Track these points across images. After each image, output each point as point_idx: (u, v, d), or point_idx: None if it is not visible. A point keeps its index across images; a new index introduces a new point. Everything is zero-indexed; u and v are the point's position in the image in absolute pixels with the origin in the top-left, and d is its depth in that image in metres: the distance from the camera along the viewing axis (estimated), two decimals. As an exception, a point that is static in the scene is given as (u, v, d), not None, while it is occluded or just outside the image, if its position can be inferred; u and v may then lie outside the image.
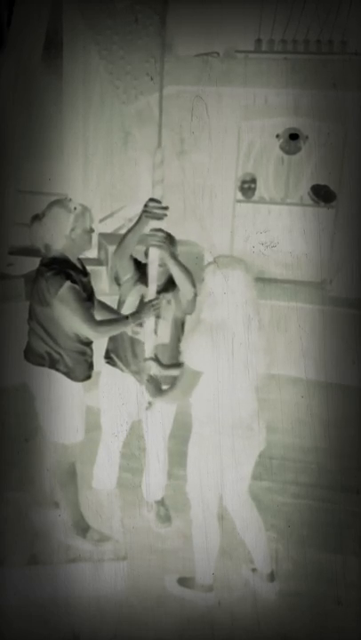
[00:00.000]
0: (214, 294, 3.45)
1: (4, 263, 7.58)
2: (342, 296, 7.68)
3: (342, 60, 7.76)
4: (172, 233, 8.17)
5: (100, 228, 8.74)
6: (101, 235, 8.05)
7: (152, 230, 3.72)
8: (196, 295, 3.95)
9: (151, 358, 3.87)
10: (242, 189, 8.27)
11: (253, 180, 8.32)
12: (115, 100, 8.56)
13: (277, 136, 8.27)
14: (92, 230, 3.81)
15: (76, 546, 3.94)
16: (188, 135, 8.18)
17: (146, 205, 3.68)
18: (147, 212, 3.67)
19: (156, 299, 3.86)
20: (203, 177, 8.54)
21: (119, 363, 4.19)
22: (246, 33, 8.07)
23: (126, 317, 3.86)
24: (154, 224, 3.71)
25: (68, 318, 3.63)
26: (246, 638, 3.46)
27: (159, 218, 3.68)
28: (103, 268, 7.14)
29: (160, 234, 3.72)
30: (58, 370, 3.72)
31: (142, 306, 3.87)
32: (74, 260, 3.77)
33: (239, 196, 8.28)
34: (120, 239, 3.94)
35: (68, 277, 3.59)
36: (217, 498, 3.65)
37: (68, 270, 3.65)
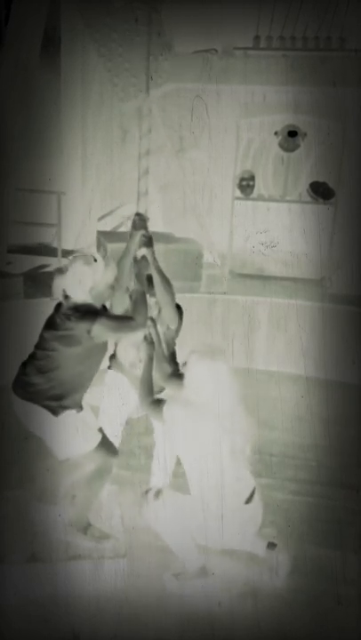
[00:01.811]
0: (198, 382, 3.62)
1: (3, 261, 7.59)
2: (342, 293, 7.68)
3: (341, 57, 7.75)
4: (172, 231, 8.18)
5: (99, 226, 8.75)
6: (100, 233, 8.06)
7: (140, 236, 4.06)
8: (179, 317, 4.23)
9: (151, 318, 3.99)
10: (240, 187, 8.26)
11: (252, 178, 8.31)
12: (113, 98, 8.55)
13: (276, 133, 8.26)
14: (115, 283, 3.94)
15: (75, 543, 3.94)
16: (187, 134, 8.18)
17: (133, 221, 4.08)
18: (134, 225, 4.05)
19: (143, 258, 4.06)
20: (202, 175, 8.54)
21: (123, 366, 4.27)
22: (245, 30, 8.06)
23: (137, 290, 3.94)
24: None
25: (115, 337, 3.96)
26: (246, 638, 3.46)
27: (144, 227, 4.04)
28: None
29: (144, 237, 4.05)
30: (44, 407, 3.78)
31: (138, 264, 4.04)
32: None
33: (238, 193, 8.27)
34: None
35: (97, 313, 3.73)
36: None
37: (94, 307, 3.77)
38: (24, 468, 4.54)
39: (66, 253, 8.28)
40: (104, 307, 3.95)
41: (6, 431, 4.38)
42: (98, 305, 3.84)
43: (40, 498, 4.19)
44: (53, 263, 8.17)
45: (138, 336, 3.93)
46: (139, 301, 3.88)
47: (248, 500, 3.69)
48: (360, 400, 6.40)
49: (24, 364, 3.90)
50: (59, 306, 3.86)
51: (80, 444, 3.85)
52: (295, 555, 3.97)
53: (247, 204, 8.29)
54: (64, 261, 3.99)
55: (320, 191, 8.13)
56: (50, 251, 8.51)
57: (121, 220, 9.00)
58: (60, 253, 8.14)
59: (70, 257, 3.91)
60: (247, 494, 3.69)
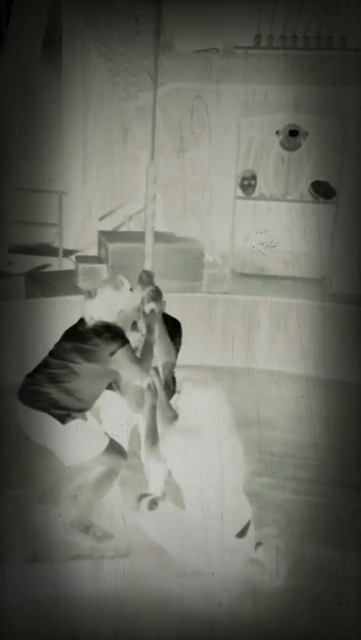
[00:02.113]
0: (190, 409, 3.71)
1: (3, 261, 7.60)
2: (342, 292, 7.68)
3: (341, 57, 7.75)
4: (173, 230, 8.18)
5: (100, 225, 8.76)
6: (101, 232, 8.06)
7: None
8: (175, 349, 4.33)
9: (154, 368, 4.10)
10: (242, 186, 8.26)
11: (254, 177, 8.30)
12: (114, 98, 8.56)
13: (277, 132, 8.25)
14: (140, 305, 4.12)
15: (76, 543, 3.95)
16: (188, 133, 8.18)
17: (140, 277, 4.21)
18: (141, 281, 4.19)
19: (152, 311, 4.13)
20: (203, 174, 8.54)
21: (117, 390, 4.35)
22: (246, 29, 8.05)
23: (147, 340, 4.06)
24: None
25: (125, 369, 3.92)
26: (246, 638, 3.46)
27: (151, 283, 4.18)
28: (103, 266, 7.16)
29: (152, 293, 4.17)
30: (52, 414, 3.81)
31: (148, 318, 4.11)
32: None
33: (239, 192, 8.26)
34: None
35: (125, 340, 3.84)
36: None
37: (124, 334, 3.89)
38: (24, 467, 4.54)
39: (67, 253, 8.31)
40: None
41: (6, 431, 4.39)
42: (126, 322, 4.00)
43: (41, 498, 4.20)
44: (54, 263, 8.19)
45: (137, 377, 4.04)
46: (147, 350, 4.02)
47: (241, 534, 3.72)
48: (360, 399, 6.41)
49: (32, 374, 3.93)
50: (82, 320, 3.93)
51: (87, 449, 3.88)
52: (295, 554, 3.98)
53: (248, 204, 8.28)
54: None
55: (321, 190, 8.12)
56: (51, 250, 8.53)
57: (122, 219, 9.02)
58: (61, 253, 8.15)
59: (100, 281, 4.03)
60: (241, 525, 3.72)
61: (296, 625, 3.56)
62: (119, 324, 3.92)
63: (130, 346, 3.86)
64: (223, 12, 7.87)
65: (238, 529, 3.71)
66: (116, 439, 4.23)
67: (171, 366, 4.35)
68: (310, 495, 4.84)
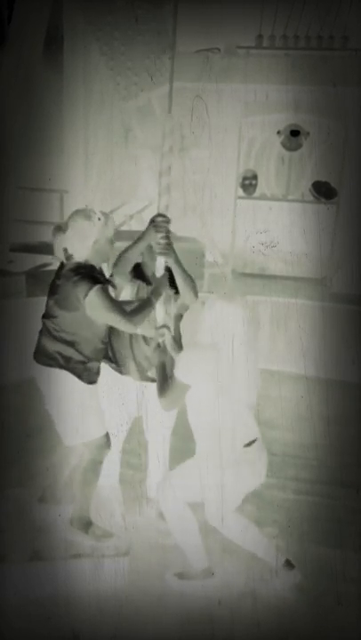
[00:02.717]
0: (212, 323, 3.63)
1: (4, 260, 7.59)
2: (343, 292, 7.69)
3: (342, 57, 7.74)
4: (174, 230, 8.17)
5: (101, 224, 8.74)
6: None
7: (158, 240, 3.98)
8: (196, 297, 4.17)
9: (164, 326, 4.00)
10: (243, 186, 8.26)
11: (255, 177, 8.31)
12: (115, 97, 8.56)
13: (278, 132, 8.26)
14: (113, 239, 3.92)
15: (77, 542, 3.94)
16: (188, 133, 8.18)
17: (153, 220, 3.98)
18: (156, 226, 3.96)
19: (167, 270, 4.04)
20: (203, 174, 8.54)
21: (116, 364, 4.26)
22: (247, 29, 8.05)
23: (149, 298, 3.92)
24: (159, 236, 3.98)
25: (104, 317, 3.71)
26: (246, 637, 3.46)
27: (167, 231, 3.97)
28: (105, 265, 7.14)
29: (165, 241, 3.97)
30: (69, 370, 3.75)
31: (157, 281, 4.00)
32: (97, 266, 3.85)
33: (240, 192, 8.26)
34: (122, 252, 4.05)
35: (96, 281, 3.67)
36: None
37: (95, 274, 3.74)
38: (25, 466, 4.55)
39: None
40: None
41: (6, 430, 4.39)
42: (100, 261, 3.83)
43: (41, 497, 4.20)
44: (55, 262, 8.18)
45: (126, 328, 3.86)
46: (145, 310, 3.87)
47: (248, 445, 3.68)
48: (360, 399, 6.41)
49: (39, 337, 3.88)
50: (60, 270, 3.84)
51: (88, 430, 3.84)
52: (296, 554, 3.98)
53: (249, 204, 8.28)
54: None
55: (322, 191, 8.13)
56: (52, 249, 8.51)
57: (123, 218, 9.01)
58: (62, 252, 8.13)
59: (70, 214, 3.90)
60: (249, 439, 3.68)
61: (296, 625, 3.57)
62: (93, 261, 3.78)
63: (103, 288, 3.67)
64: (224, 11, 7.87)
65: (246, 442, 3.68)
66: (116, 439, 4.24)
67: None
68: (311, 495, 4.85)
